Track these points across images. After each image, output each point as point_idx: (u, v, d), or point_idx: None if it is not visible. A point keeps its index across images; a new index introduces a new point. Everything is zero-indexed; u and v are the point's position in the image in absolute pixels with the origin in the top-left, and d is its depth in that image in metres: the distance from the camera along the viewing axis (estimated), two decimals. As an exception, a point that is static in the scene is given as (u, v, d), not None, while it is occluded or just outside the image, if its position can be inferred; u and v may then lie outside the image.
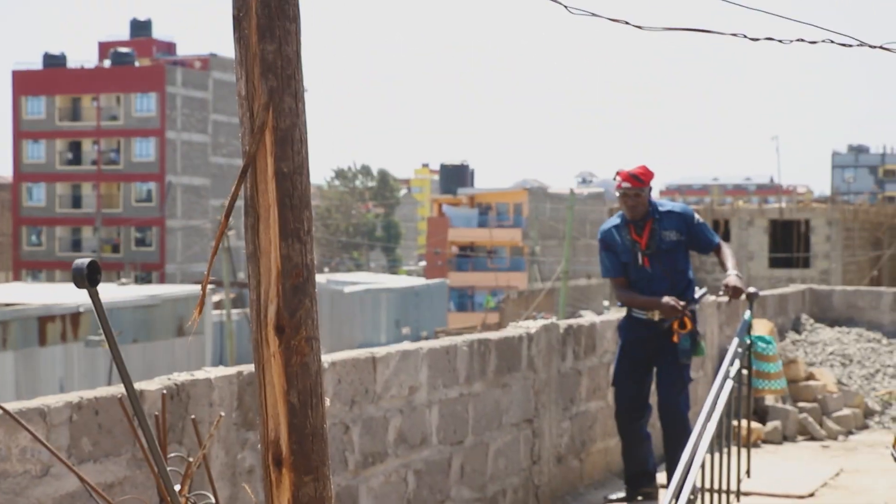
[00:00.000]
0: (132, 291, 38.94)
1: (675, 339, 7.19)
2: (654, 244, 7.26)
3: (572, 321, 7.92)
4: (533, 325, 7.27)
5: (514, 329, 7.18)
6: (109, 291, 36.64)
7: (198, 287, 42.72)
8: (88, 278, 3.06)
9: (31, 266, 72.48)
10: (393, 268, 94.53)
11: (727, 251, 7.37)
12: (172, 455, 4.19)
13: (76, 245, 72.60)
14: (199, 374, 4.53)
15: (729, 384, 6.62)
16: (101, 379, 32.30)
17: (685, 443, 6.11)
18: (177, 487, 4.01)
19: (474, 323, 50.48)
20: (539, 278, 58.21)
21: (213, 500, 4.10)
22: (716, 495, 6.46)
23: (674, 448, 6.98)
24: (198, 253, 70.55)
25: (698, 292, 7.40)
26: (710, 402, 6.33)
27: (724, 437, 6.62)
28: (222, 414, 4.46)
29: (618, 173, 7.24)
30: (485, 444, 6.62)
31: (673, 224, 7.29)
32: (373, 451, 5.60)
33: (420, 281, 61.66)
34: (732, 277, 7.17)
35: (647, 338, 7.30)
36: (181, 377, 4.46)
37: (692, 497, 5.79)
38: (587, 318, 8.52)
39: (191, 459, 4.08)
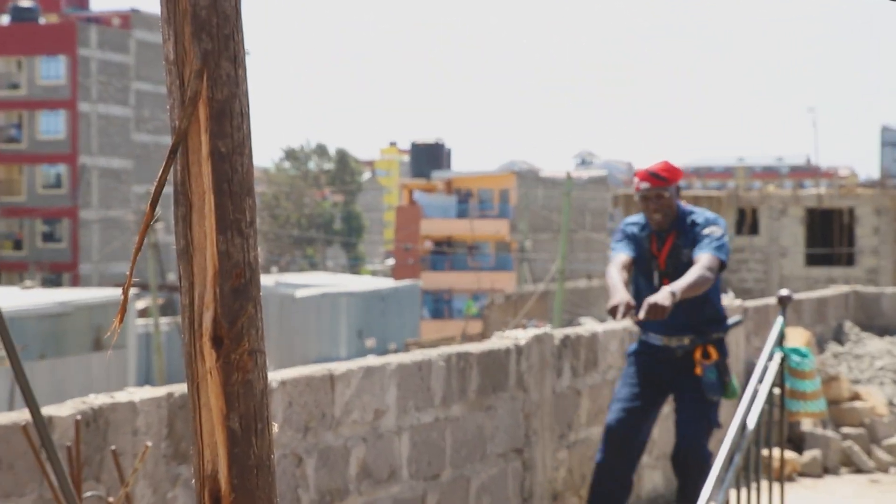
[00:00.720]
0: (39, 297, 38.81)
1: (698, 370, 6.97)
2: (672, 264, 7.01)
3: (570, 331, 7.93)
4: (523, 336, 7.28)
5: (501, 340, 7.19)
6: (11, 297, 36.53)
7: (118, 291, 42.60)
8: (-15, 281, 3.05)
9: (-85, 266, 72.25)
10: (355, 267, 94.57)
11: (696, 268, 6.75)
12: (88, 495, 4.18)
13: (-30, 241, 72.37)
14: (121, 397, 4.53)
15: (758, 406, 6.64)
16: (1, 403, 32.20)
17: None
18: (93, 533, 4.00)
19: (452, 333, 50.56)
20: (530, 279, 58.33)
21: (138, 549, 4.09)
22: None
23: (690, 500, 6.79)
24: (118, 250, 70.39)
25: (731, 320, 7.26)
26: (736, 427, 6.35)
27: (753, 470, 6.65)
28: (149, 444, 4.46)
29: (635, 173, 7.07)
30: (465, 478, 6.63)
31: (690, 239, 6.99)
32: (331, 487, 5.60)
33: (387, 283, 61.72)
34: (660, 293, 6.51)
35: (660, 367, 7.09)
36: (99, 400, 4.45)
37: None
38: (588, 326, 8.55)
39: (111, 499, 4.07)
